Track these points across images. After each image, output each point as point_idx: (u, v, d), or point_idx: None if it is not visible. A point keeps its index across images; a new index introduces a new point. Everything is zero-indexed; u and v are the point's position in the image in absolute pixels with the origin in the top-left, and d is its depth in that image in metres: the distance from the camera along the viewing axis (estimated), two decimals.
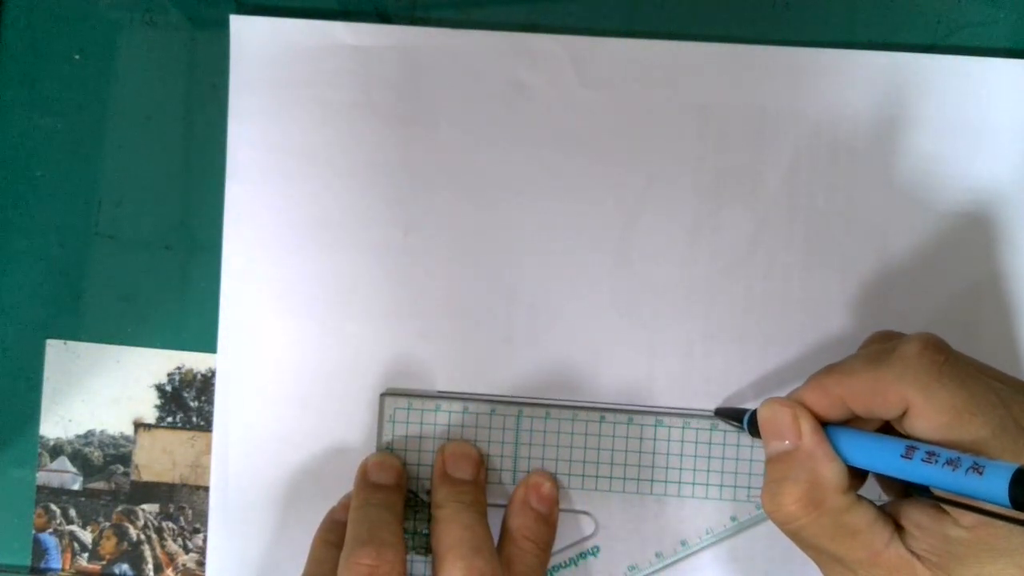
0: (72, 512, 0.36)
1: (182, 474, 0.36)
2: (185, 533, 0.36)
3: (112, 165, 0.36)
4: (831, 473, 0.27)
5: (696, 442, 0.34)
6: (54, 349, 0.36)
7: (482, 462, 0.34)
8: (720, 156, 0.34)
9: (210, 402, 0.36)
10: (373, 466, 0.33)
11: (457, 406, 0.35)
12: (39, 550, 0.36)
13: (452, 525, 0.31)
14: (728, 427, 0.34)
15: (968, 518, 0.25)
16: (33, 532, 0.36)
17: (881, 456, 0.26)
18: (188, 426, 0.36)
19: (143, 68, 0.36)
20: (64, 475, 0.36)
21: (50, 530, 0.36)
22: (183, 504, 0.36)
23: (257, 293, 0.35)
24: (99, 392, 0.36)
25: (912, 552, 0.26)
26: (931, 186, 0.34)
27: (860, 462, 0.27)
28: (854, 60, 0.34)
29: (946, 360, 0.26)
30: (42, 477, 0.36)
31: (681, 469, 0.34)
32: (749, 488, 0.34)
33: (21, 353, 0.36)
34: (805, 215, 0.35)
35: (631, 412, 0.34)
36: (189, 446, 0.36)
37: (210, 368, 0.36)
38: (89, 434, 0.36)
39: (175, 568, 0.36)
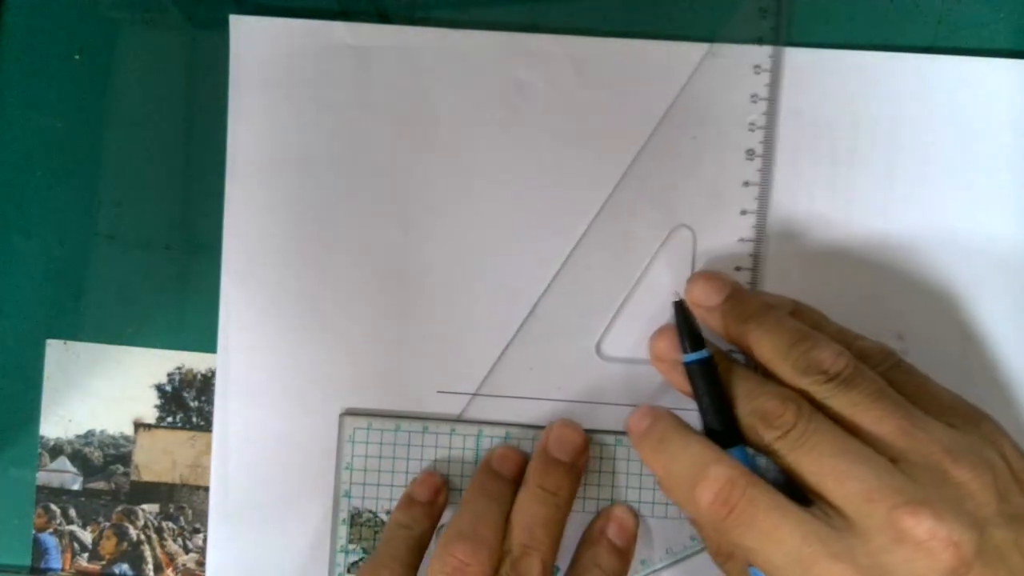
0: (72, 512, 0.36)
1: (182, 474, 0.36)
2: (185, 533, 0.36)
3: (112, 165, 0.36)
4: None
5: None
6: (54, 349, 0.36)
7: (585, 448, 0.34)
8: (720, 156, 0.34)
9: (210, 402, 0.36)
10: (498, 457, 0.34)
11: (417, 425, 0.35)
12: (39, 550, 0.36)
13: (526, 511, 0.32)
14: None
15: None
16: (33, 532, 0.36)
17: None
18: (188, 426, 0.36)
19: (143, 68, 0.36)
20: (64, 475, 0.36)
21: (50, 530, 0.36)
22: (183, 504, 0.36)
23: (257, 293, 0.35)
24: (99, 392, 0.36)
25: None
26: (931, 186, 0.34)
27: None
28: (855, 60, 0.34)
29: None
30: (42, 477, 0.36)
31: (641, 488, 0.34)
32: None
33: (21, 353, 0.36)
34: (805, 215, 0.34)
35: (590, 432, 0.34)
36: (189, 446, 0.36)
37: (210, 368, 0.36)
38: (89, 434, 0.36)
39: (175, 568, 0.36)
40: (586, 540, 0.34)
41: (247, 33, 0.35)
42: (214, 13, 0.35)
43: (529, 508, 0.32)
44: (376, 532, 0.34)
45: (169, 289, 0.36)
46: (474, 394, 0.35)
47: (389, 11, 0.35)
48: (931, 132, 0.34)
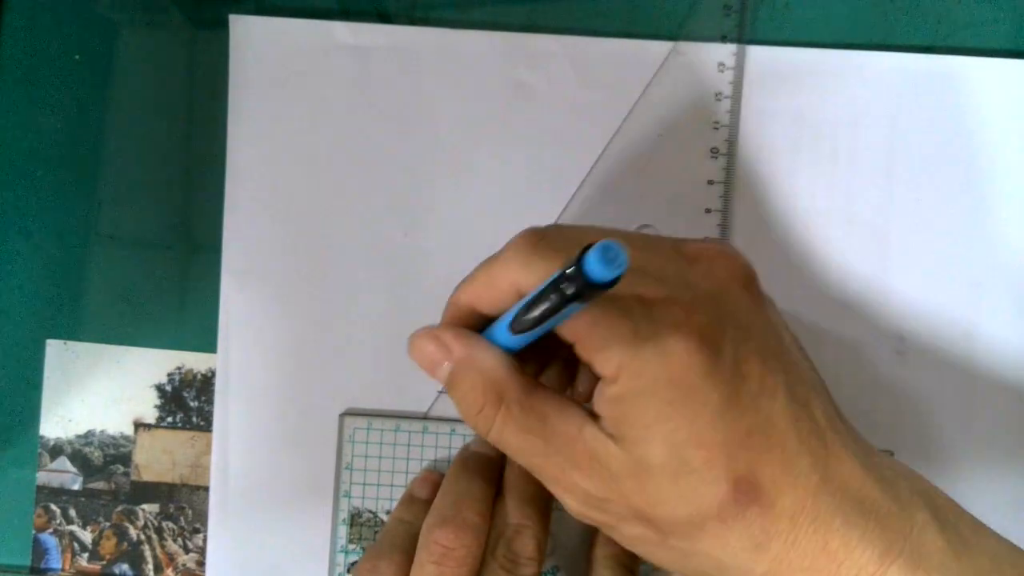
0: (72, 512, 0.36)
1: (182, 474, 0.36)
2: (185, 533, 0.36)
3: (112, 165, 0.36)
4: (495, 362, 0.27)
5: None
6: (54, 349, 0.36)
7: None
8: (720, 157, 0.34)
9: (210, 402, 0.36)
10: (478, 442, 0.33)
11: (417, 426, 0.35)
12: (39, 550, 0.36)
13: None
14: None
15: (609, 367, 0.25)
16: (33, 532, 0.36)
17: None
18: (188, 426, 0.36)
19: (143, 68, 0.36)
20: (64, 475, 0.36)
21: (50, 530, 0.36)
22: (183, 504, 0.36)
23: (257, 293, 0.35)
24: (99, 392, 0.36)
25: (605, 432, 0.26)
26: (931, 186, 0.34)
27: (513, 342, 0.26)
28: (854, 60, 0.34)
29: (542, 237, 0.26)
30: (42, 477, 0.36)
31: None
32: None
33: (21, 353, 0.36)
34: (805, 215, 0.35)
35: None
36: (189, 446, 0.36)
37: (210, 368, 0.36)
38: (89, 434, 0.36)
39: (175, 568, 0.36)
40: (599, 541, 0.33)
41: (247, 33, 0.35)
42: (214, 13, 0.35)
43: (518, 486, 0.32)
44: (376, 532, 0.34)
45: (169, 289, 0.36)
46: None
47: (389, 11, 0.35)
48: (930, 132, 0.34)
